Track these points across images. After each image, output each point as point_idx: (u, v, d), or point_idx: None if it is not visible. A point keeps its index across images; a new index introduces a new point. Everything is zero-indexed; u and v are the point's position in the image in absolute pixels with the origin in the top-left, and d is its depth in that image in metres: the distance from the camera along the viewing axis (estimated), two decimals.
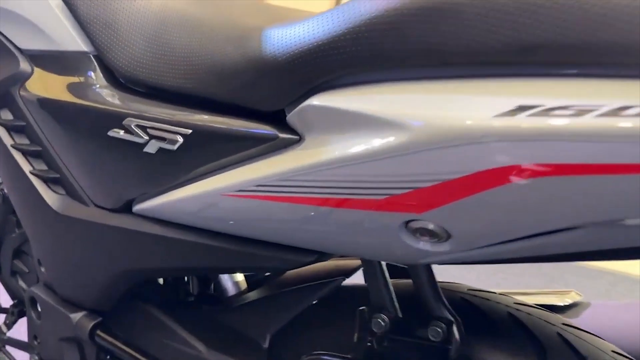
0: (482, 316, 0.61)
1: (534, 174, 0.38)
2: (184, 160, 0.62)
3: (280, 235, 0.58)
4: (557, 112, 0.37)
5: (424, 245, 0.48)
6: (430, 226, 0.46)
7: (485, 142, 0.39)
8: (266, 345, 0.73)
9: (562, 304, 0.88)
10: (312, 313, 0.72)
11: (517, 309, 0.63)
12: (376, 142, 0.44)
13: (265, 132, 0.56)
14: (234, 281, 0.85)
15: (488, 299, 0.64)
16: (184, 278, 0.86)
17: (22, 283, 0.96)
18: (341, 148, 0.47)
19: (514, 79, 0.41)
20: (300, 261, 0.59)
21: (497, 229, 0.43)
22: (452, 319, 0.57)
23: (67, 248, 0.78)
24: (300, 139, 0.53)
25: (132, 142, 0.64)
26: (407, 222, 0.47)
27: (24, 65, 0.76)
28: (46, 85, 0.75)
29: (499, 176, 0.39)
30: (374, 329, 0.60)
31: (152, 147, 0.63)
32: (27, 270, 0.94)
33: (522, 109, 0.38)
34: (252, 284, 0.84)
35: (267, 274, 0.89)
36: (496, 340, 0.59)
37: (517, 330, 0.60)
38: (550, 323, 0.61)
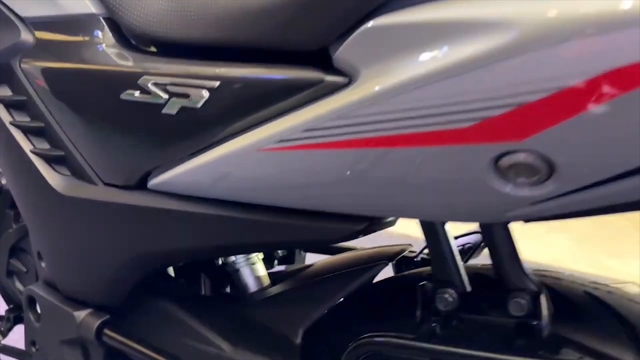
0: (559, 295, 0.53)
1: None
2: (210, 119, 0.54)
3: (326, 198, 0.49)
4: None
5: (519, 188, 0.38)
6: (530, 159, 0.36)
7: (620, 30, 0.31)
8: (298, 340, 0.65)
9: None
10: (353, 303, 0.63)
11: (595, 287, 0.55)
12: (464, 50, 0.35)
13: (308, 76, 0.48)
14: (256, 276, 0.76)
15: (560, 278, 0.56)
16: (200, 273, 0.78)
17: (19, 284, 0.88)
18: (412, 68, 0.38)
19: None
20: (348, 230, 0.51)
21: (624, 153, 0.34)
22: (538, 289, 0.48)
23: (72, 235, 0.70)
24: (350, 81, 0.45)
25: (149, 104, 0.57)
26: (498, 159, 0.38)
27: (25, 34, 0.70)
28: (50, 54, 0.69)
29: (635, 74, 0.31)
30: (439, 307, 0.51)
31: (172, 107, 0.56)
32: (25, 270, 0.87)
33: None
34: (275, 279, 0.76)
35: (292, 269, 0.81)
36: (580, 318, 0.51)
37: (599, 308, 0.52)
38: (634, 301, 0.53)
